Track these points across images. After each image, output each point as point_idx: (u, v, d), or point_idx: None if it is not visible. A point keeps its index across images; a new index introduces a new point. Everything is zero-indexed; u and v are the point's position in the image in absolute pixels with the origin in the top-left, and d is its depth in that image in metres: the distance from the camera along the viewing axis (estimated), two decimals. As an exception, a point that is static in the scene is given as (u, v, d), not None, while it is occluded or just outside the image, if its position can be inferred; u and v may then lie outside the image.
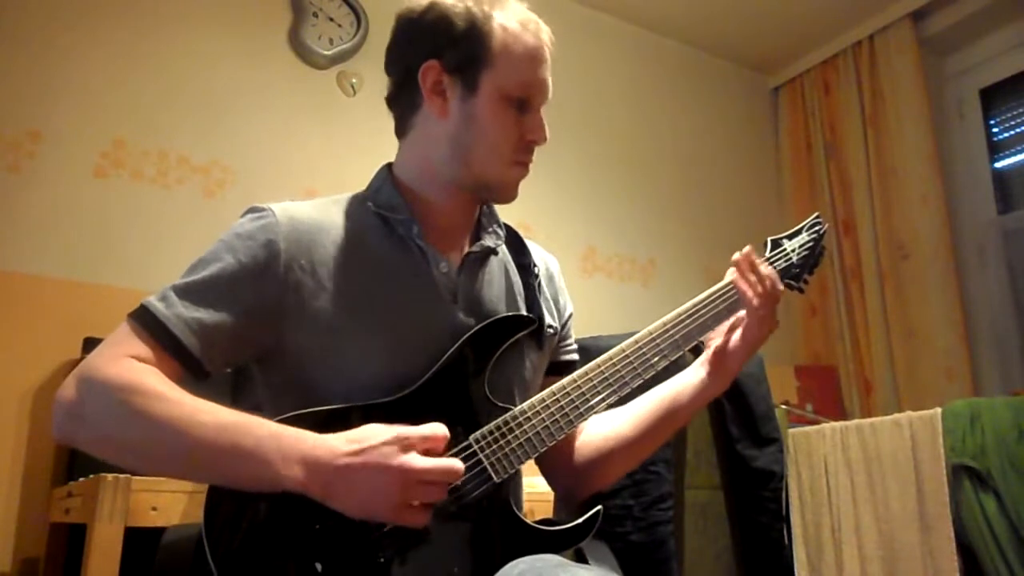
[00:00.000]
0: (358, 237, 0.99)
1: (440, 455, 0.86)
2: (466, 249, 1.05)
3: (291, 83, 2.56)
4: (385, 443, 0.82)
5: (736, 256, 1.07)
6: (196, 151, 2.35)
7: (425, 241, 1.00)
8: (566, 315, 1.17)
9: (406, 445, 0.82)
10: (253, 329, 0.92)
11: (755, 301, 1.03)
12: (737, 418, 1.80)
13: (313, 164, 2.52)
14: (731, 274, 1.08)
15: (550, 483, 1.16)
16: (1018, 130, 3.12)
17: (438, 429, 0.86)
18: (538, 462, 1.11)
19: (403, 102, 1.05)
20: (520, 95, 0.99)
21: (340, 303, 0.94)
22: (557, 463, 1.11)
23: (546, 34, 1.03)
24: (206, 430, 0.81)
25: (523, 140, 1.01)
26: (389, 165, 1.08)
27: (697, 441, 1.78)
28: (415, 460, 0.82)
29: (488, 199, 1.07)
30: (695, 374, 1.10)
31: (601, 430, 1.11)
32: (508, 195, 1.04)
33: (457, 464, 0.84)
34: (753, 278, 1.05)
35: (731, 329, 1.07)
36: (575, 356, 1.17)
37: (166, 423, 0.81)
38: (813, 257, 1.17)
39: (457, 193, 1.03)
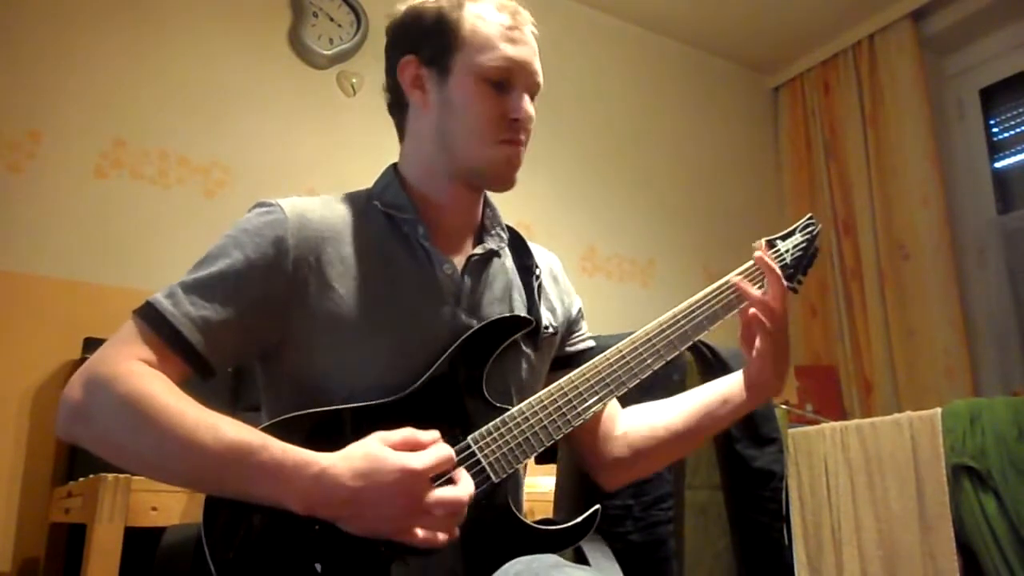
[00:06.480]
0: (365, 236, 0.99)
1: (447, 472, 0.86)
2: (470, 251, 1.05)
3: (291, 83, 2.56)
4: (393, 477, 0.80)
5: (759, 254, 1.07)
6: (196, 151, 2.35)
7: (430, 242, 1.00)
8: (575, 310, 1.17)
9: (414, 475, 0.81)
10: (259, 326, 0.92)
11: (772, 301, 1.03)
12: (737, 418, 1.79)
13: (313, 164, 2.52)
14: (734, 275, 1.08)
15: (588, 465, 1.13)
16: (1018, 130, 3.12)
17: (442, 453, 0.84)
18: (577, 446, 1.11)
19: (396, 106, 1.07)
20: (496, 76, 0.98)
21: (345, 302, 0.94)
22: (595, 449, 1.10)
23: (524, 17, 1.03)
24: (206, 451, 0.79)
25: (504, 119, 0.99)
26: (395, 164, 1.09)
27: (697, 441, 1.78)
28: (423, 495, 0.81)
29: (484, 186, 1.05)
30: (740, 386, 1.08)
31: (648, 421, 1.10)
32: (501, 178, 1.01)
33: (463, 496, 0.84)
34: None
35: (756, 353, 1.05)
36: (591, 343, 1.17)
37: (167, 438, 0.80)
38: (807, 257, 1.18)
39: (456, 189, 1.03)
